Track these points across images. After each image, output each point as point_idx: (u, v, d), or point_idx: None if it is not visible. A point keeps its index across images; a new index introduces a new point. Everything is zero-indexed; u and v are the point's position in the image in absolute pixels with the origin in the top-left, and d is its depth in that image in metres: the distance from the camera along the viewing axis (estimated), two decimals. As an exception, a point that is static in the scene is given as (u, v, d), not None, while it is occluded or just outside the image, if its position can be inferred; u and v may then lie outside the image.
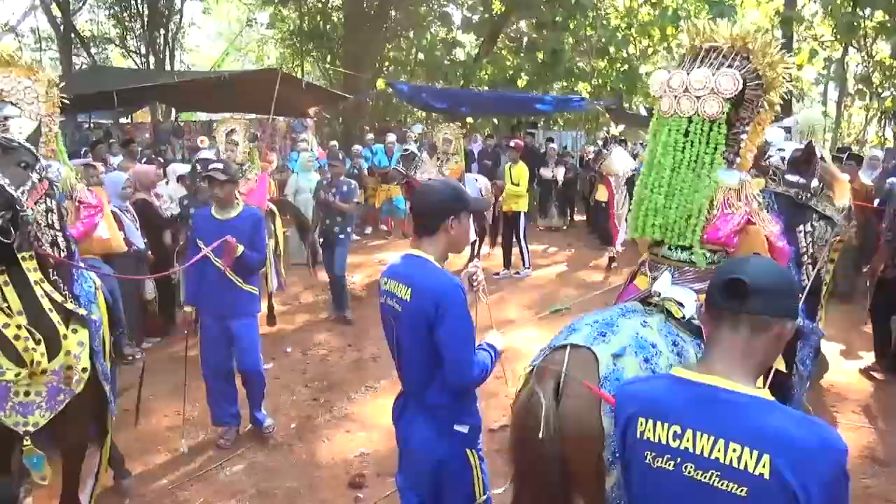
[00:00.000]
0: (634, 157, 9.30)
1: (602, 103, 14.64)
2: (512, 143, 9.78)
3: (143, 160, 9.41)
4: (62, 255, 2.69)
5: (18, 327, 2.49)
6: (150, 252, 5.79)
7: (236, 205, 4.28)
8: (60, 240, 2.70)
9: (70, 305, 2.67)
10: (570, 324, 2.42)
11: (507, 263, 9.07)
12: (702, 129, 2.48)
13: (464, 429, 2.38)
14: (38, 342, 2.53)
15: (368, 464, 4.12)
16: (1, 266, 2.45)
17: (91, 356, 2.76)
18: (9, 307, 2.48)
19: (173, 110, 19.21)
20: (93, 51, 20.61)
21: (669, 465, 1.44)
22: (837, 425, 4.46)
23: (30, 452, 2.62)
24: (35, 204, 2.52)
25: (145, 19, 20.04)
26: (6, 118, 2.99)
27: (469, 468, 2.41)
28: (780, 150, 3.91)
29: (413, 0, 19.10)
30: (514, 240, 8.96)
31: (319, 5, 20.15)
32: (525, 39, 18.39)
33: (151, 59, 20.28)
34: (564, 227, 12.84)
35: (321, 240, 6.93)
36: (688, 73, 2.48)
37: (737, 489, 1.35)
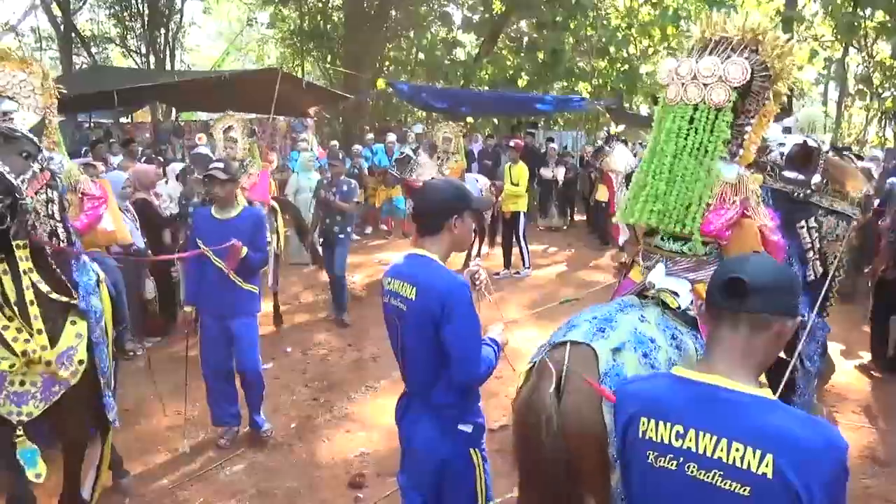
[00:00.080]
0: (634, 156, 9.28)
1: (602, 103, 14.64)
2: (512, 143, 9.78)
3: (143, 160, 9.42)
4: (61, 245, 2.69)
5: (10, 318, 2.49)
6: (149, 252, 5.79)
7: (237, 205, 4.28)
8: (60, 230, 2.70)
9: (55, 296, 2.63)
10: (569, 320, 2.41)
11: (507, 263, 9.06)
12: (707, 117, 2.47)
13: (468, 428, 2.38)
14: (38, 332, 2.52)
15: (368, 464, 4.12)
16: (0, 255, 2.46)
17: (89, 348, 2.76)
18: (5, 296, 2.48)
19: (173, 110, 19.22)
20: (93, 50, 20.62)
21: (672, 464, 1.44)
22: (837, 425, 4.46)
23: (23, 445, 2.61)
24: (35, 194, 2.52)
25: (146, 19, 20.05)
26: (5, 113, 2.99)
27: (472, 468, 2.41)
28: (780, 144, 3.89)
29: (413, 0, 19.11)
30: (514, 240, 8.96)
31: (320, 5, 20.16)
32: (525, 39, 18.41)
33: (152, 58, 20.30)
34: (564, 227, 12.84)
35: (321, 240, 6.94)
36: (696, 61, 2.49)
37: (740, 489, 1.34)
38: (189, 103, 17.31)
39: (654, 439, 1.47)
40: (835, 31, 15.05)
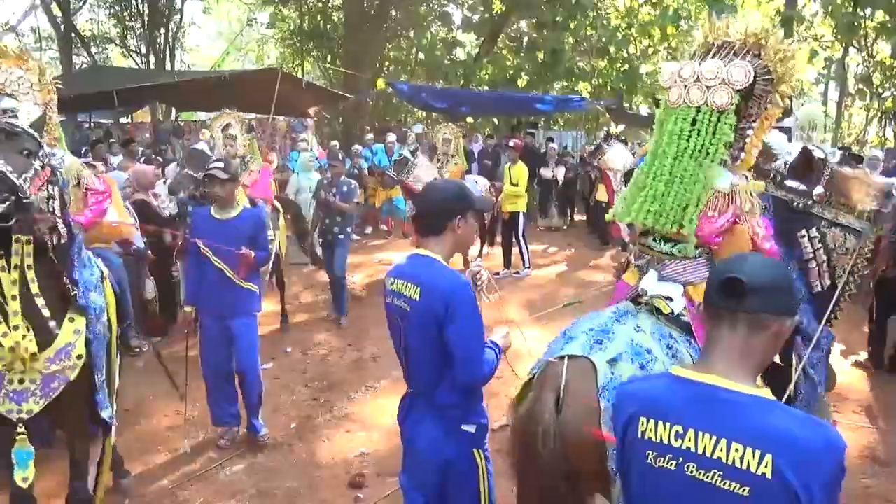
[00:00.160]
0: (633, 154, 9.24)
1: (602, 103, 14.64)
2: (511, 143, 9.77)
3: (143, 160, 9.41)
4: (62, 241, 2.68)
5: (4, 315, 2.49)
6: (149, 251, 5.80)
7: (237, 205, 4.28)
8: (61, 226, 2.70)
9: (41, 302, 2.62)
10: (565, 330, 2.42)
11: (507, 263, 9.06)
12: (709, 120, 2.48)
13: (471, 428, 2.38)
14: (27, 329, 2.52)
15: (368, 464, 4.12)
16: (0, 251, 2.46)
17: (88, 343, 2.75)
18: (2, 294, 2.48)
19: (173, 110, 19.21)
20: (93, 50, 20.62)
21: (671, 464, 1.44)
22: (837, 425, 4.46)
23: (22, 445, 2.61)
24: (37, 191, 2.52)
25: (145, 19, 20.04)
26: (5, 110, 2.99)
27: (476, 468, 2.42)
28: (788, 153, 3.88)
29: (413, 0, 19.11)
30: (514, 240, 8.96)
31: (320, 5, 20.15)
32: (525, 39, 18.41)
33: (152, 58, 20.28)
34: (564, 227, 12.84)
35: (321, 240, 6.93)
36: (699, 64, 2.49)
37: (739, 489, 1.35)
38: (189, 103, 17.31)
39: (653, 439, 1.47)
40: (835, 31, 15.05)
